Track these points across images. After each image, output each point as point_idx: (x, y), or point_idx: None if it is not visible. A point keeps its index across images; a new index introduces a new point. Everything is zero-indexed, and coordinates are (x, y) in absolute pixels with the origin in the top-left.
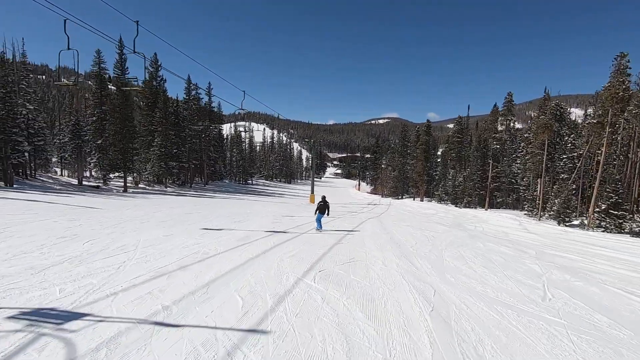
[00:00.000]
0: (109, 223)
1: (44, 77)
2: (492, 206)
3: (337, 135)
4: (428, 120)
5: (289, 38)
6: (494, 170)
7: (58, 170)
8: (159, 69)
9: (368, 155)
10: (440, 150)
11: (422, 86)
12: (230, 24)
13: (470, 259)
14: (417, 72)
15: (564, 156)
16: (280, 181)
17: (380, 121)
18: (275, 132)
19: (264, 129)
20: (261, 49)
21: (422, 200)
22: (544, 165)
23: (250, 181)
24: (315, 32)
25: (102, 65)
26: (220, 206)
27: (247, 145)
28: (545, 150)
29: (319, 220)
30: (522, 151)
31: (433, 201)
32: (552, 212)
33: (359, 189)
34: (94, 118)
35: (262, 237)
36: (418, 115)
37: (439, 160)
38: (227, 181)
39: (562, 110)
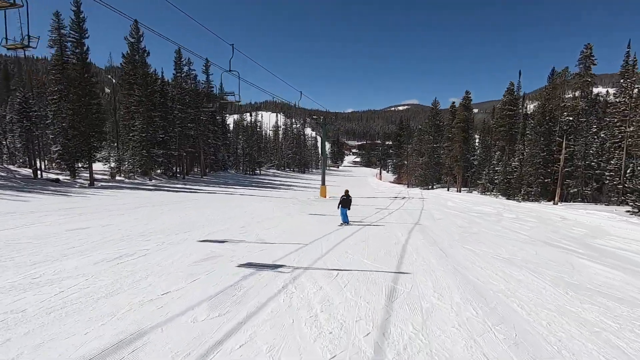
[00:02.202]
0: None
1: None
2: (563, 199)
3: (355, 123)
4: (467, 92)
5: (304, 25)
6: (566, 151)
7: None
8: (141, 39)
9: (389, 142)
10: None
11: (444, 71)
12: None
13: None
14: (438, 57)
15: None
16: (293, 170)
17: (400, 108)
18: (293, 120)
19: (277, 115)
20: (275, 39)
21: (459, 191)
22: None
23: (258, 171)
24: (329, 18)
25: (62, 30)
26: (183, 207)
27: (249, 132)
28: None
29: (344, 214)
30: (608, 124)
31: (475, 192)
32: None
33: (380, 179)
34: (55, 97)
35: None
36: (440, 101)
37: (476, 143)
38: (233, 171)
39: None
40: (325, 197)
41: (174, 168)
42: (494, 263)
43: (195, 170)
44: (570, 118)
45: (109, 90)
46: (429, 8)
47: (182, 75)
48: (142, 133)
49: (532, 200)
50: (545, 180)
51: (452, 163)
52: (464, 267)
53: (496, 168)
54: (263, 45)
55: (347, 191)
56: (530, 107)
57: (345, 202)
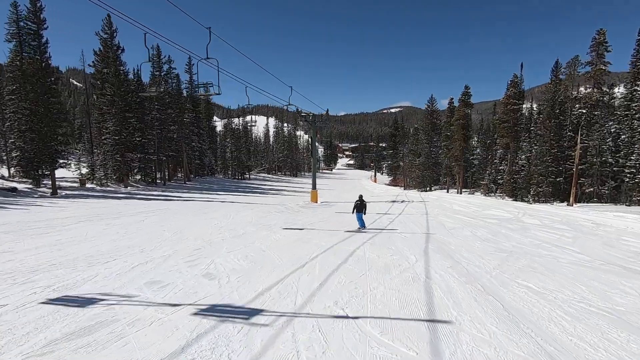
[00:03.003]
0: None
1: None
2: (577, 199)
3: (348, 126)
4: (466, 87)
5: (295, 26)
6: (580, 146)
7: None
8: (114, 34)
9: (384, 145)
10: (475, 138)
11: (436, 71)
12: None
13: None
14: (429, 57)
15: None
16: (285, 174)
17: (393, 110)
18: (285, 124)
19: (267, 119)
20: (266, 38)
21: (460, 193)
22: None
23: (247, 175)
24: (322, 18)
25: (20, 23)
26: (138, 221)
27: (237, 134)
28: None
29: (360, 219)
30: (625, 117)
31: (478, 193)
32: None
33: (375, 181)
34: (14, 96)
35: None
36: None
37: (474, 143)
38: (221, 176)
39: None
40: (316, 202)
41: (155, 173)
42: (602, 328)
43: (179, 175)
44: (584, 111)
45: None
46: (422, 5)
47: (162, 73)
48: (115, 136)
49: (543, 201)
50: (557, 180)
51: (451, 163)
52: (561, 345)
53: (500, 167)
54: (249, 42)
55: (361, 196)
56: (528, 105)
57: (360, 206)
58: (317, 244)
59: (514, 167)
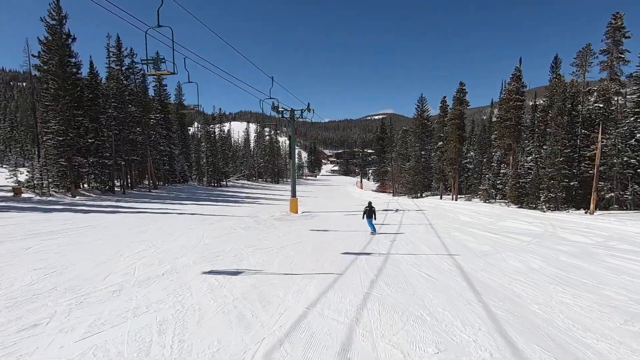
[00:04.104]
0: None
1: None
2: (597, 206)
3: (333, 132)
4: (461, 83)
5: (279, 32)
6: (596, 145)
7: None
8: (64, 21)
9: (370, 151)
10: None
11: (418, 82)
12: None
13: None
14: (413, 66)
15: None
16: (265, 181)
17: (376, 117)
18: (267, 129)
19: (248, 124)
20: (250, 43)
21: (455, 199)
22: None
23: (224, 182)
24: (308, 23)
25: None
26: (22, 248)
27: (212, 138)
28: None
29: (370, 224)
30: None
31: (476, 200)
32: None
33: (361, 187)
34: None
35: None
36: (414, 110)
37: (466, 145)
38: (195, 184)
39: None
40: (296, 212)
41: (112, 180)
42: None
43: (146, 182)
44: (601, 105)
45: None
46: (404, 12)
47: (123, 67)
48: (59, 136)
49: (554, 209)
50: (571, 184)
51: (446, 167)
52: None
53: (500, 171)
54: (228, 48)
55: (370, 203)
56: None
57: (370, 212)
58: (275, 311)
59: (519, 171)
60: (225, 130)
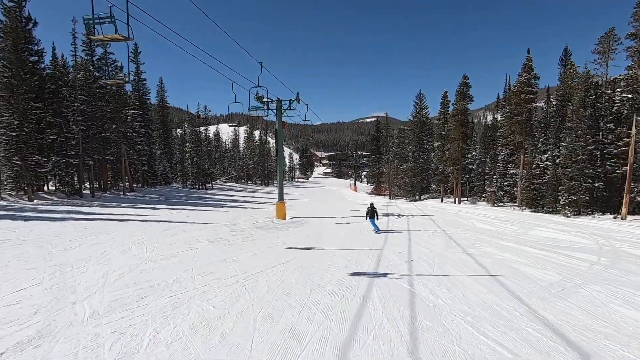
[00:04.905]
0: None
1: None
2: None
3: (325, 134)
4: (465, 76)
5: (275, 30)
6: (626, 141)
7: None
8: (24, 3)
9: (364, 153)
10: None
11: (414, 84)
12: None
13: None
14: (410, 65)
15: None
16: (255, 183)
17: (368, 120)
18: (258, 132)
19: (236, 127)
20: (249, 42)
21: (459, 202)
22: None
23: (210, 185)
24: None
25: None
26: None
27: (197, 138)
28: None
29: (373, 224)
30: None
31: (482, 202)
32: None
33: (355, 190)
34: None
35: None
36: (406, 113)
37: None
38: (179, 186)
39: None
40: (283, 218)
41: (80, 182)
42: None
43: (125, 185)
44: (629, 95)
45: None
46: (402, 11)
47: (94, 58)
48: (12, 131)
49: (575, 213)
50: (595, 184)
51: (448, 167)
52: None
53: (508, 171)
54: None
55: (372, 203)
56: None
57: (372, 212)
58: None
59: (534, 170)
60: (212, 131)
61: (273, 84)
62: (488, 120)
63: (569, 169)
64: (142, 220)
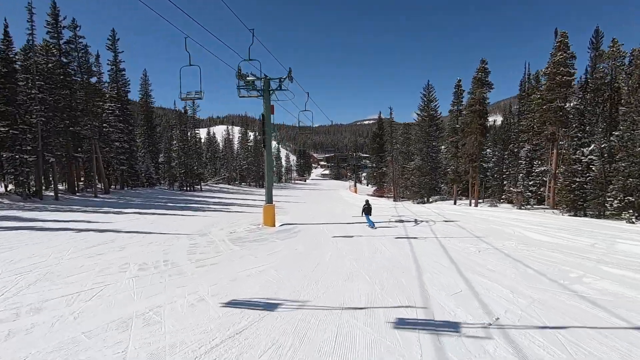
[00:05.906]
0: None
1: None
2: None
3: (323, 136)
4: (483, 60)
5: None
6: None
7: None
8: None
9: (361, 154)
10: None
11: (410, 86)
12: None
13: None
14: (412, 66)
15: None
16: (249, 185)
17: (366, 122)
18: (255, 131)
19: (229, 127)
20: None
21: (476, 205)
22: None
23: (199, 186)
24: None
25: None
26: None
27: (184, 136)
28: None
29: (368, 220)
30: None
31: (505, 205)
32: None
33: (355, 191)
34: None
35: None
36: (406, 116)
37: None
38: (165, 187)
39: None
40: (272, 225)
41: (39, 182)
42: None
43: (100, 186)
44: None
45: None
46: (404, 12)
47: (60, 41)
48: None
49: (636, 216)
50: None
51: (462, 164)
52: None
53: (535, 169)
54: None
55: (367, 201)
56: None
57: (367, 209)
58: None
59: (575, 166)
60: (205, 132)
61: (268, 69)
62: (494, 122)
63: (624, 163)
64: (82, 230)
